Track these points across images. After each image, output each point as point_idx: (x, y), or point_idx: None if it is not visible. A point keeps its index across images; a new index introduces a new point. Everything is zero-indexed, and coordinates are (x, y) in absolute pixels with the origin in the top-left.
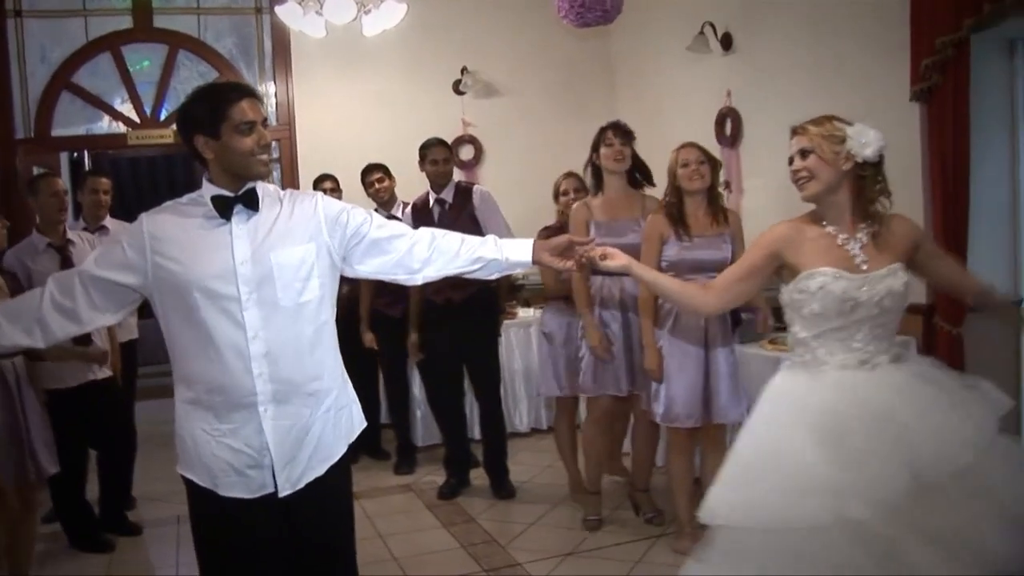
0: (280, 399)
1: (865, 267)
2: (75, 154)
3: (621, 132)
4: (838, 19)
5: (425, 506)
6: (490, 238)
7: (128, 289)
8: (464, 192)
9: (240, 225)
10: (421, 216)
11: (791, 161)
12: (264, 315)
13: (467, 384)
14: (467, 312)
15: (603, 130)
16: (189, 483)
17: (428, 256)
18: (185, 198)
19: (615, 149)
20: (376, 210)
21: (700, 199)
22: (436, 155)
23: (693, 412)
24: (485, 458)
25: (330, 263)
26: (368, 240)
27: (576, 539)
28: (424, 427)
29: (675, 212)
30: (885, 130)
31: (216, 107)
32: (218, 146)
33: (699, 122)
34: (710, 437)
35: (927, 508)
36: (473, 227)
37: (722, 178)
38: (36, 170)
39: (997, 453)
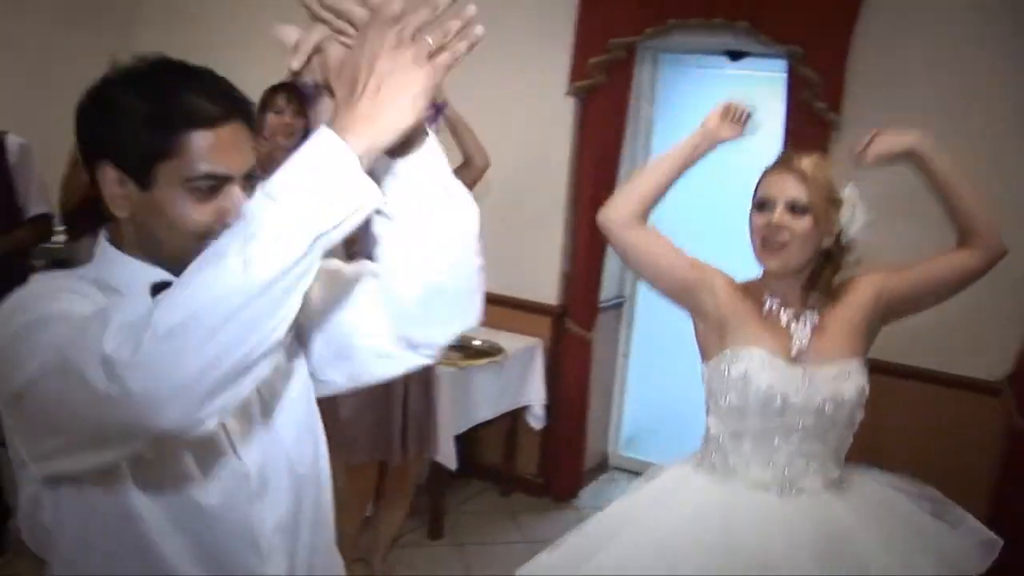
0: None
1: (807, 357)
2: None
3: None
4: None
5: None
6: None
7: None
8: None
9: None
10: None
11: (763, 204)
12: None
13: None
14: None
15: None
16: None
17: None
18: (78, 272)
19: None
20: None
21: None
22: None
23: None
24: None
25: None
26: None
27: None
28: None
29: None
30: (540, 123)
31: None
32: (143, 201)
33: None
34: None
35: None
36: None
37: None
38: None
39: None
